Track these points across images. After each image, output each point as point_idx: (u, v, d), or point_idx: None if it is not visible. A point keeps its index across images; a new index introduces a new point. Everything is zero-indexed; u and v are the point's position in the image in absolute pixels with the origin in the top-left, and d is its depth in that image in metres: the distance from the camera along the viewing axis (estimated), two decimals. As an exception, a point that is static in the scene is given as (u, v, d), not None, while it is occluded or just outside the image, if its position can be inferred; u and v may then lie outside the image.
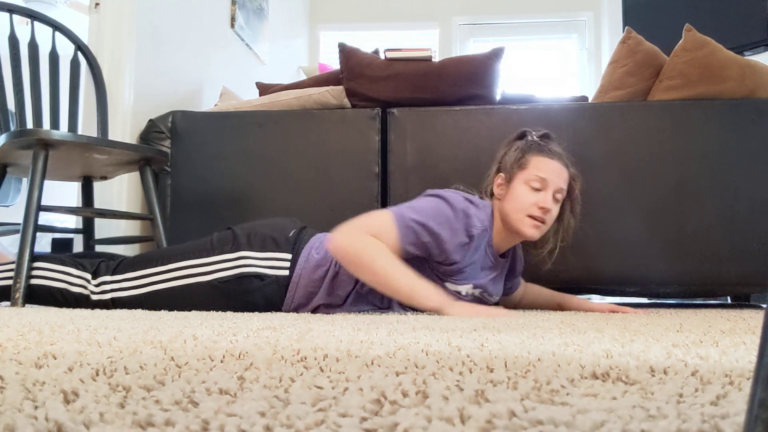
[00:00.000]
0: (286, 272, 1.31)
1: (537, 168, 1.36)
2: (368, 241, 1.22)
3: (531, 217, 1.32)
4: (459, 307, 1.19)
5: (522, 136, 1.46)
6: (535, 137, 1.44)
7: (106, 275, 1.35)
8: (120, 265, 1.37)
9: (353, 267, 1.23)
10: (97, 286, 1.34)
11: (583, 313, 1.42)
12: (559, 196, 1.37)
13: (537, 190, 1.34)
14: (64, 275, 1.36)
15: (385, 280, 1.22)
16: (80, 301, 1.34)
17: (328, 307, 1.32)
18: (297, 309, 1.33)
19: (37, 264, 1.39)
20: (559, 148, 1.42)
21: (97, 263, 1.38)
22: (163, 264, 1.34)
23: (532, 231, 1.34)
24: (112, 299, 1.33)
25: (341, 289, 1.31)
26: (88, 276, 1.35)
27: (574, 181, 1.43)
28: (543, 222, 1.34)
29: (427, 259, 1.30)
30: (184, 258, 1.34)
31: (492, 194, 1.44)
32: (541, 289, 1.65)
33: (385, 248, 1.23)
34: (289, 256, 1.33)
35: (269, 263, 1.32)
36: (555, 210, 1.37)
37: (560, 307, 1.59)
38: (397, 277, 1.21)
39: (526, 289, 1.65)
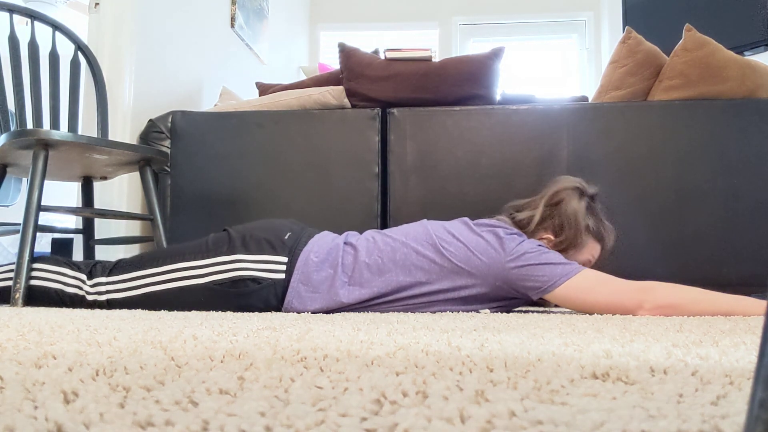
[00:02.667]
0: (282, 275, 1.31)
1: (591, 254, 1.42)
2: (651, 295, 1.23)
3: None
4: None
5: (581, 194, 1.43)
6: (594, 200, 1.44)
7: (101, 276, 1.34)
8: (116, 266, 1.36)
9: (676, 315, 1.24)
10: (92, 286, 1.34)
11: (582, 314, 1.41)
12: None
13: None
14: (59, 275, 1.36)
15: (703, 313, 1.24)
16: (75, 302, 1.34)
17: (327, 312, 1.32)
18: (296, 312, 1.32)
19: (32, 265, 1.39)
20: (612, 232, 1.45)
21: (92, 264, 1.38)
22: (158, 265, 1.34)
23: None
24: (108, 300, 1.33)
25: (342, 295, 1.30)
26: (83, 276, 1.35)
27: None
28: None
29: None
30: (180, 260, 1.33)
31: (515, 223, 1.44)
32: None
33: (668, 289, 1.24)
34: (285, 259, 1.32)
35: (264, 266, 1.31)
36: None
37: None
38: (711, 309, 1.23)
39: None
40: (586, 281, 1.24)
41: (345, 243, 1.35)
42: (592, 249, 1.43)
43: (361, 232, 1.44)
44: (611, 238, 1.45)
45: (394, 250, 1.32)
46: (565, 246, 1.40)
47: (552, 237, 1.41)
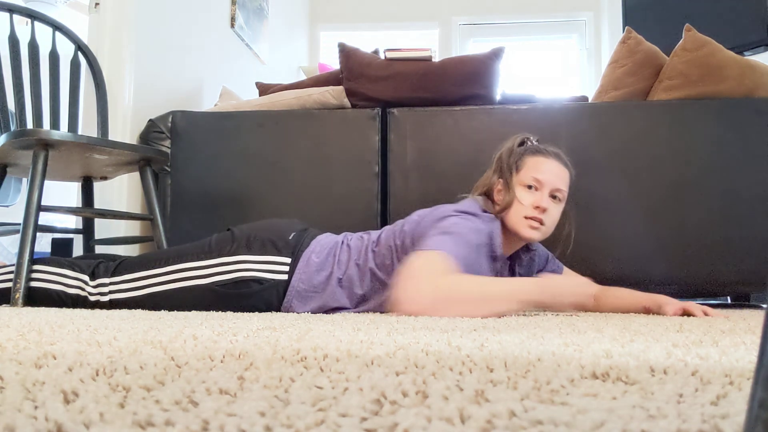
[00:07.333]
0: (285, 276, 1.31)
1: (532, 168, 1.35)
2: (439, 281, 1.14)
3: (528, 218, 1.31)
4: (560, 283, 1.17)
5: (521, 143, 1.44)
6: (533, 141, 1.43)
7: (104, 277, 1.34)
8: (119, 266, 1.36)
9: (445, 313, 1.12)
10: (95, 287, 1.34)
11: (582, 314, 1.41)
12: (560, 196, 1.35)
13: (533, 190, 1.33)
14: (60, 277, 1.36)
15: (482, 305, 1.14)
16: (77, 303, 1.34)
17: (326, 312, 1.32)
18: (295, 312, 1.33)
19: (34, 267, 1.39)
20: (557, 149, 1.41)
21: (95, 264, 1.38)
22: (161, 266, 1.34)
23: (529, 232, 1.31)
24: (110, 301, 1.33)
25: (338, 294, 1.31)
26: (86, 277, 1.35)
27: (572, 179, 1.41)
28: (541, 222, 1.31)
29: None
30: (183, 260, 1.33)
31: (489, 197, 1.41)
32: (624, 291, 1.48)
33: (457, 275, 1.16)
34: (288, 260, 1.32)
35: (268, 267, 1.31)
36: (554, 210, 1.35)
37: (649, 311, 1.41)
38: (492, 297, 1.15)
39: (603, 293, 1.50)
40: (425, 258, 1.16)
41: (342, 243, 1.37)
42: (533, 164, 1.35)
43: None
44: (556, 150, 1.39)
45: (379, 244, 1.35)
46: (505, 172, 1.36)
47: (497, 177, 1.39)
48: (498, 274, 1.38)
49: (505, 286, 1.18)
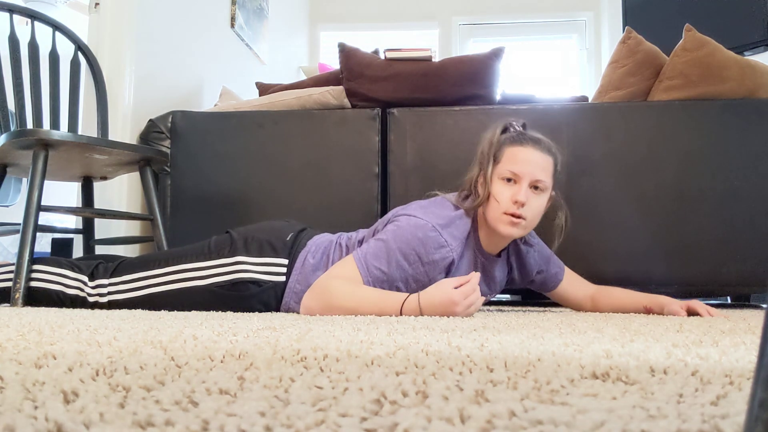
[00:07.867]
0: (283, 278, 1.31)
1: (510, 160, 1.28)
2: (325, 285, 1.19)
3: (507, 214, 1.25)
4: (426, 297, 1.13)
5: (504, 130, 1.36)
6: (516, 127, 1.36)
7: (103, 278, 1.34)
8: (118, 267, 1.36)
9: (326, 313, 1.17)
10: (93, 288, 1.34)
11: (582, 314, 1.41)
12: (541, 186, 1.27)
13: (512, 183, 1.27)
14: (60, 277, 1.36)
15: (354, 308, 1.15)
16: (76, 303, 1.34)
17: None
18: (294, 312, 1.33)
19: (33, 267, 1.39)
20: (541, 136, 1.34)
21: (94, 265, 1.38)
22: (160, 267, 1.34)
23: (508, 229, 1.25)
24: (109, 302, 1.33)
25: None
26: (85, 278, 1.35)
27: (557, 165, 1.34)
28: (520, 217, 1.24)
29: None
30: (182, 261, 1.33)
31: (477, 194, 1.34)
32: (622, 292, 1.47)
33: (343, 281, 1.19)
34: (285, 261, 1.32)
35: (266, 269, 1.31)
36: (535, 202, 1.27)
37: (650, 311, 1.40)
38: (361, 301, 1.16)
39: (600, 294, 1.49)
40: (347, 264, 1.23)
41: (335, 242, 1.37)
42: (511, 155, 1.28)
43: None
44: (536, 137, 1.32)
45: (360, 243, 1.35)
46: (484, 164, 1.31)
47: (478, 170, 1.34)
48: (483, 270, 1.36)
49: (374, 301, 1.16)
